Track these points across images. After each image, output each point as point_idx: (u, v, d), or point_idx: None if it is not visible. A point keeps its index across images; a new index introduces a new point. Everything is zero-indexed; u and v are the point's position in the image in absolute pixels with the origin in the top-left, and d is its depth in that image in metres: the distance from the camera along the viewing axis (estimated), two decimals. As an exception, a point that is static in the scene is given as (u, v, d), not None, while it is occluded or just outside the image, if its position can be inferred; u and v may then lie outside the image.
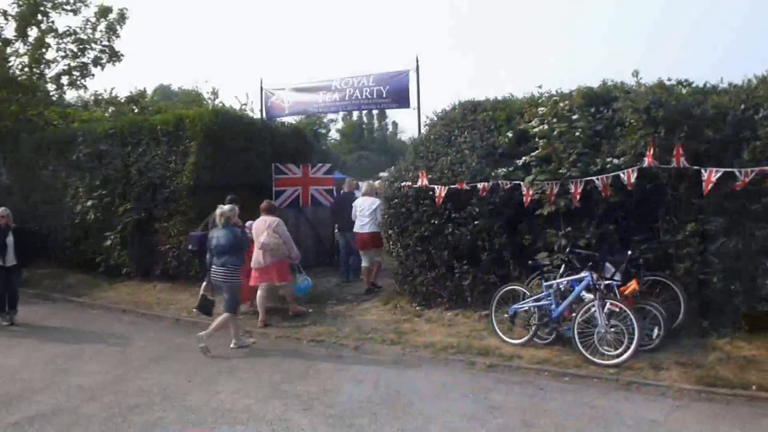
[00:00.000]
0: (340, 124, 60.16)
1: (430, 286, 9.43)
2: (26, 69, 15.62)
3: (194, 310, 9.86)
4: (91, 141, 13.36)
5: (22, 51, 15.53)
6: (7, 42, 15.47)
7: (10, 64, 15.34)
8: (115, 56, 15.97)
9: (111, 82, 39.65)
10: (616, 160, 7.83)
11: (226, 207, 8.57)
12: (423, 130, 10.65)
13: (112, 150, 12.93)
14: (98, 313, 10.90)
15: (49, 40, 15.67)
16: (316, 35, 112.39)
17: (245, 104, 12.12)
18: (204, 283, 9.58)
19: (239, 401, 6.35)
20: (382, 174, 17.27)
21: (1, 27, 15.17)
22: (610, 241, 8.00)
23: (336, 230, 13.38)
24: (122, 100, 16.80)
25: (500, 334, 7.98)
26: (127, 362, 7.82)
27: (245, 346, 8.41)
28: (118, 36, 16.00)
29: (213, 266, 8.42)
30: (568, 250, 8.06)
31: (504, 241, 8.80)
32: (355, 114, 52.85)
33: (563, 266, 8.04)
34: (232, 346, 8.32)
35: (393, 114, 61.39)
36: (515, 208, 8.77)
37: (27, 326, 9.85)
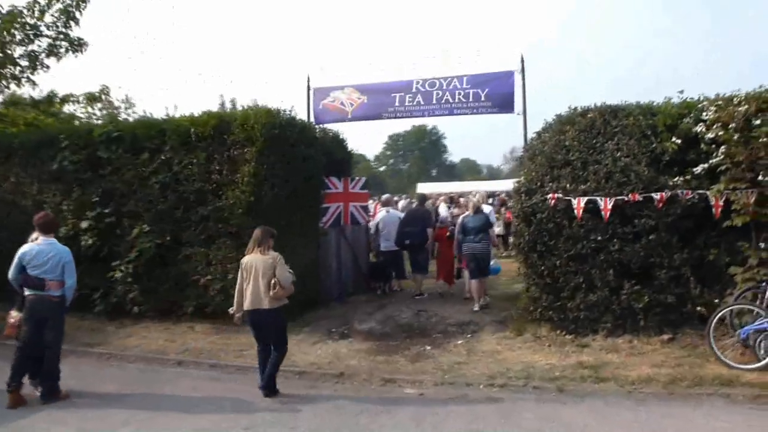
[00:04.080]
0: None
1: (585, 311, 8.33)
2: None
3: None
4: (81, 146, 10.58)
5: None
6: None
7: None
8: (77, 45, 12.88)
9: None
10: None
11: (478, 197, 11.37)
12: (539, 137, 9.54)
13: (117, 157, 10.29)
14: (149, 369, 8.34)
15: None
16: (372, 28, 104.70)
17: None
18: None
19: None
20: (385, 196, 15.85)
21: None
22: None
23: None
24: (81, 98, 13.62)
25: (725, 359, 7.08)
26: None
27: (486, 305, 10.38)
28: (75, 21, 12.94)
29: (468, 243, 10.48)
30: (773, 264, 7.45)
31: (685, 256, 8.00)
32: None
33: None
34: (475, 308, 10.24)
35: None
36: (693, 220, 8.04)
37: (88, 396, 7.18)
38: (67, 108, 13.83)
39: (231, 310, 7.23)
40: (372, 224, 12.69)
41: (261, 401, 6.91)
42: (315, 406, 6.71)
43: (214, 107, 11.10)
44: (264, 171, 9.33)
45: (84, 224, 10.23)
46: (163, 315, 10.15)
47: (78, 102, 13.67)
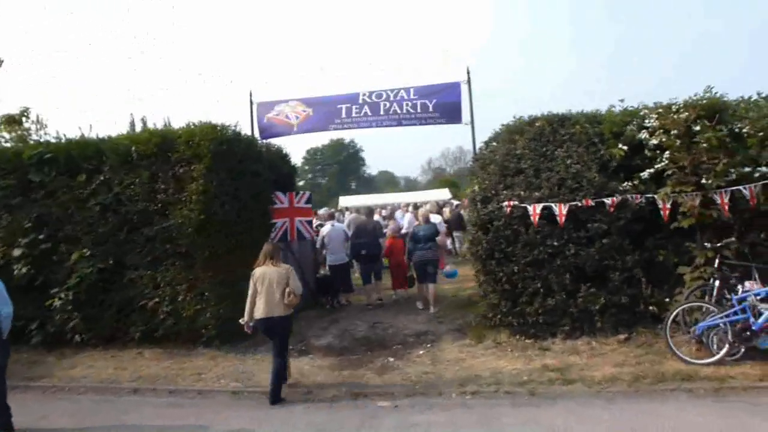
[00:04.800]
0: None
1: (544, 316, 8.51)
2: None
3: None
4: (9, 170, 9.91)
5: None
6: None
7: None
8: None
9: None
10: (764, 169, 7.85)
11: (428, 207, 14.01)
12: (486, 146, 9.73)
13: (51, 180, 9.71)
14: (103, 399, 7.79)
15: None
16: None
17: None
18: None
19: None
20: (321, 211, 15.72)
21: None
22: (759, 250, 7.98)
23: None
24: (-1, 120, 12.71)
25: (682, 356, 7.39)
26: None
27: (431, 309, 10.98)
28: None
29: (419, 251, 11.07)
30: (718, 262, 7.85)
31: (636, 258, 8.32)
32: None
33: (715, 280, 7.78)
34: (427, 305, 11.14)
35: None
36: (642, 224, 8.39)
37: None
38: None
39: (242, 321, 7.39)
40: (318, 239, 12.57)
41: (231, 424, 6.64)
42: (291, 425, 6.52)
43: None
44: (213, 188, 9.04)
45: (16, 252, 9.58)
46: (108, 342, 9.64)
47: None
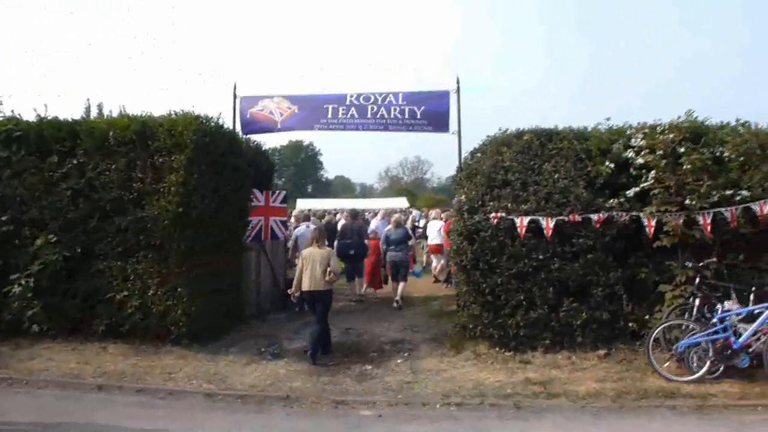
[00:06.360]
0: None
1: (525, 329, 8.48)
2: None
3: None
4: (-27, 146, 9.34)
5: None
6: None
7: None
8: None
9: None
10: (745, 192, 8.05)
11: (398, 215, 14.75)
12: (471, 157, 9.71)
13: (18, 159, 9.20)
14: (66, 395, 7.33)
15: None
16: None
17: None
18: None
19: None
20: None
21: None
22: (737, 271, 8.16)
23: None
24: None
25: (664, 373, 7.46)
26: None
27: (400, 306, 11.91)
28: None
29: (391, 252, 12.33)
30: (698, 281, 7.98)
31: (619, 275, 8.40)
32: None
33: (695, 298, 7.91)
34: (398, 301, 12.03)
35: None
36: (625, 241, 8.48)
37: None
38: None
39: (290, 291, 8.94)
40: (290, 240, 12.35)
41: (208, 427, 6.36)
42: (273, 432, 6.29)
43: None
44: (194, 180, 8.72)
45: (-26, 234, 9.01)
46: (68, 334, 9.16)
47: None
